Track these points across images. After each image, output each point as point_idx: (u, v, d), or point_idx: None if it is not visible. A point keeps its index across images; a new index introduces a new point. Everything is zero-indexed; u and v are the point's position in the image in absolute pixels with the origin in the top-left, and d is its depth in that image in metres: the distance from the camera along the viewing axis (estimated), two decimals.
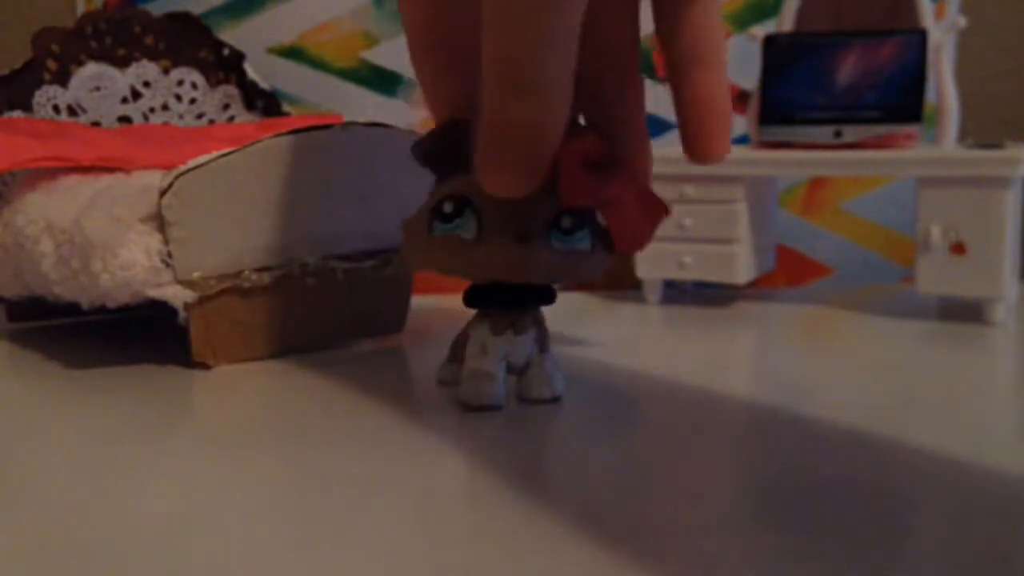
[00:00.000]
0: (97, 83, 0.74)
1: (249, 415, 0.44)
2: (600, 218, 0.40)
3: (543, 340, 0.44)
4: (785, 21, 0.77)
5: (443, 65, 0.38)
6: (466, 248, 0.39)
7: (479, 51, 0.38)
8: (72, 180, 0.60)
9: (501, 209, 0.38)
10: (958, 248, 0.65)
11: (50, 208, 0.55)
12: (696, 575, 0.26)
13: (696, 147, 0.38)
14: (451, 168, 0.40)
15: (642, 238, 0.40)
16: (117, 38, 0.76)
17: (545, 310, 0.45)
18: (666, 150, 0.67)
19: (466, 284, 0.43)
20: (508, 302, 0.42)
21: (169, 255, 0.50)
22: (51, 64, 0.72)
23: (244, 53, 0.80)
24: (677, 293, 0.80)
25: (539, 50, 0.31)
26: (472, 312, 0.44)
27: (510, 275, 0.39)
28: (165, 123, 0.76)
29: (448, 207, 0.39)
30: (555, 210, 0.38)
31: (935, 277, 0.66)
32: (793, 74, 0.73)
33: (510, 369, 0.43)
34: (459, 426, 0.41)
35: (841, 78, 0.72)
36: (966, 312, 0.69)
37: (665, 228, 0.74)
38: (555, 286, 0.43)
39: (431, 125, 0.41)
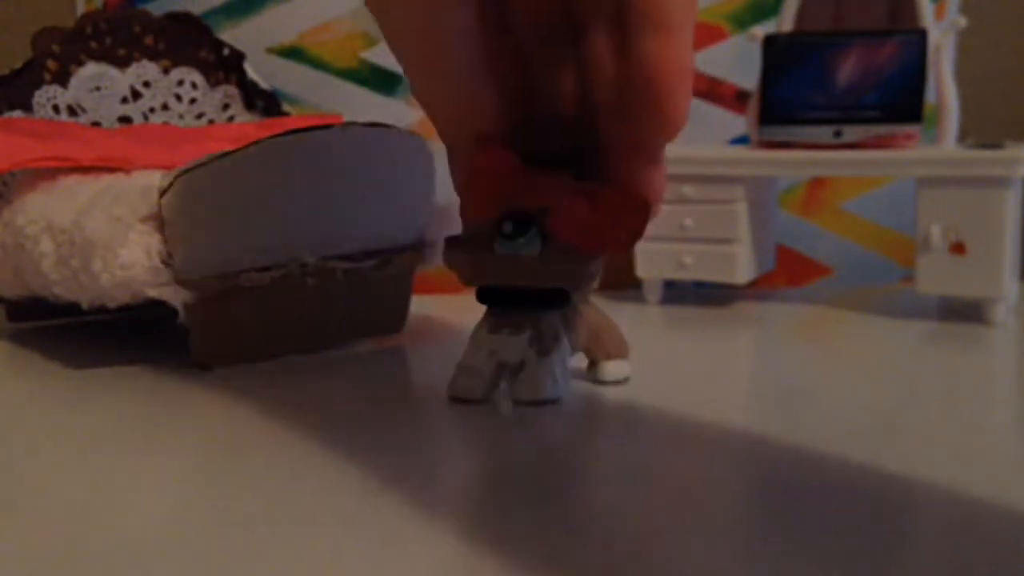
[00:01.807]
0: (97, 83, 0.74)
1: (249, 415, 0.44)
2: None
3: (542, 343, 0.44)
4: (785, 21, 0.77)
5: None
6: (450, 259, 0.41)
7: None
8: (72, 180, 0.60)
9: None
10: (958, 248, 0.65)
11: (50, 208, 0.55)
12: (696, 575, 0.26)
13: (643, 117, 0.32)
14: None
15: (610, 240, 0.37)
16: (117, 38, 0.75)
17: None
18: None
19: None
20: (506, 302, 0.43)
21: (169, 255, 0.50)
22: (51, 64, 0.72)
23: (244, 53, 0.80)
24: (677, 293, 0.80)
25: (411, 68, 0.32)
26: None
27: (462, 281, 0.41)
28: (165, 123, 0.76)
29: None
30: (494, 220, 0.39)
31: (935, 277, 0.66)
32: (793, 74, 0.73)
33: (505, 367, 0.44)
34: (460, 426, 0.41)
35: (841, 78, 0.72)
36: (966, 312, 0.69)
37: (665, 228, 0.74)
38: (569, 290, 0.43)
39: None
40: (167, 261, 0.50)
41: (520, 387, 0.43)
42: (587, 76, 0.35)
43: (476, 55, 0.31)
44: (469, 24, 0.30)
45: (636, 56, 0.31)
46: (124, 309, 0.53)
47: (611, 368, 0.47)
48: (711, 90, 0.87)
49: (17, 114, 0.70)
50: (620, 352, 0.48)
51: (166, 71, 0.77)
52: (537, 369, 0.43)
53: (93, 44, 0.74)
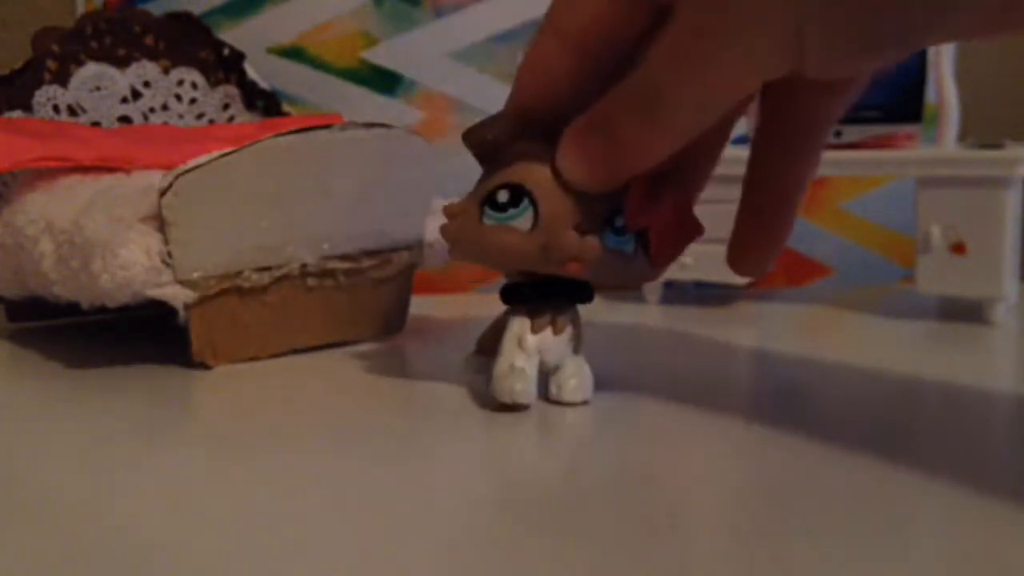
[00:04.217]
0: (97, 83, 0.74)
1: (249, 415, 0.44)
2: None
3: (577, 341, 0.43)
4: None
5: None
6: (522, 239, 0.38)
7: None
8: (72, 180, 0.60)
9: (559, 202, 0.37)
10: (958, 248, 0.65)
11: (50, 208, 0.55)
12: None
13: (745, 262, 0.42)
14: (501, 157, 0.39)
15: (673, 257, 0.41)
16: (117, 38, 0.75)
17: None
18: None
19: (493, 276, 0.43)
20: (549, 299, 0.42)
21: (169, 255, 0.50)
22: (51, 64, 0.72)
23: (244, 53, 0.80)
24: (677, 293, 0.80)
25: (682, 89, 0.32)
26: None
27: (570, 267, 0.38)
28: (165, 123, 0.76)
29: (503, 196, 0.38)
30: (609, 209, 0.38)
31: (935, 277, 0.66)
32: None
33: (543, 368, 0.43)
34: (459, 426, 0.41)
35: None
36: (966, 312, 0.69)
37: None
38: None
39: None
40: (167, 261, 0.50)
41: (563, 387, 0.43)
42: None
43: None
44: None
45: (775, 224, 0.42)
46: (124, 309, 0.53)
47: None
48: None
49: (17, 114, 0.70)
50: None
51: (166, 71, 0.77)
52: (579, 368, 0.43)
53: (93, 44, 0.74)
